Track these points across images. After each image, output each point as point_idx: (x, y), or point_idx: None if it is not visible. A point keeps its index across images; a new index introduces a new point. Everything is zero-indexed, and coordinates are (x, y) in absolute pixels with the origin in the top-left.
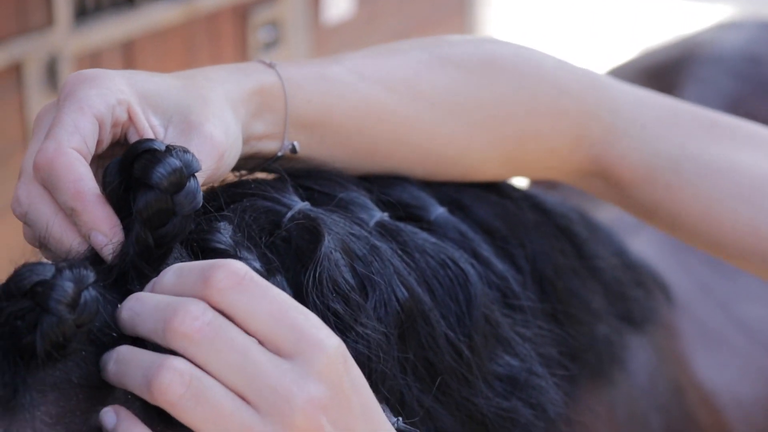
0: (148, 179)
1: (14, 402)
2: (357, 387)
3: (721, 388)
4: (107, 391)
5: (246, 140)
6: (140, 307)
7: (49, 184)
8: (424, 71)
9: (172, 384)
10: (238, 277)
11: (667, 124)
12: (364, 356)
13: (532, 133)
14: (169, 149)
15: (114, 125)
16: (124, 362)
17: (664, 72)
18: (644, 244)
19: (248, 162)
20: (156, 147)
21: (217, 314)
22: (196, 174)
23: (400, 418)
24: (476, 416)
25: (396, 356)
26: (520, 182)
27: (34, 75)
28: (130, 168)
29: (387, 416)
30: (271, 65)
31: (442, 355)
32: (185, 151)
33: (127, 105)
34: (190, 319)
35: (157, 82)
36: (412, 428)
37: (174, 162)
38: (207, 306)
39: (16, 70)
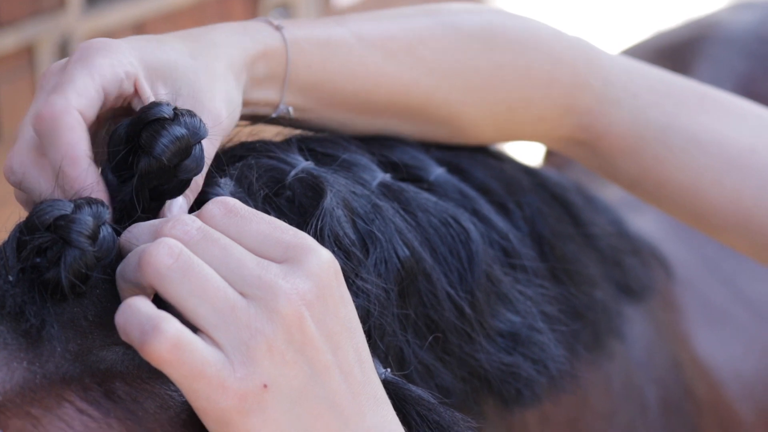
0: (152, 150)
1: (42, 333)
2: (345, 301)
3: (722, 364)
4: None
5: (244, 104)
6: (137, 230)
7: (45, 138)
8: (426, 36)
9: (161, 255)
10: (228, 206)
11: (658, 95)
12: (364, 310)
13: (525, 100)
14: (177, 115)
15: (117, 97)
16: (126, 257)
17: (677, 52)
18: (649, 222)
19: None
20: (165, 115)
21: (207, 226)
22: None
23: (389, 369)
24: (478, 372)
25: (396, 312)
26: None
27: (46, 57)
28: (138, 136)
29: (376, 367)
30: (278, 27)
31: (444, 311)
32: (192, 115)
33: (134, 78)
34: (180, 225)
35: (167, 53)
36: (399, 379)
37: (180, 131)
38: (198, 219)
39: (28, 52)
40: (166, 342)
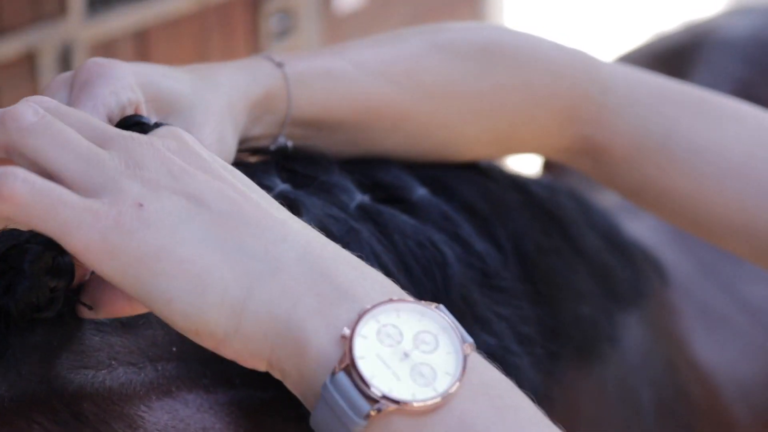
0: None
1: (7, 357)
2: (208, 153)
3: (719, 367)
4: (90, 354)
5: (241, 141)
6: None
7: None
8: (425, 61)
9: (25, 112)
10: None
11: (657, 102)
12: None
13: (526, 116)
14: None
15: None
16: None
17: (675, 57)
18: (646, 227)
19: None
20: (145, 121)
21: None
22: None
23: None
24: None
25: None
26: (526, 169)
27: (47, 64)
28: None
29: None
30: (279, 65)
31: None
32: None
33: (135, 106)
34: (37, 99)
35: (170, 84)
36: None
37: None
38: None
39: (29, 59)
40: (20, 182)
